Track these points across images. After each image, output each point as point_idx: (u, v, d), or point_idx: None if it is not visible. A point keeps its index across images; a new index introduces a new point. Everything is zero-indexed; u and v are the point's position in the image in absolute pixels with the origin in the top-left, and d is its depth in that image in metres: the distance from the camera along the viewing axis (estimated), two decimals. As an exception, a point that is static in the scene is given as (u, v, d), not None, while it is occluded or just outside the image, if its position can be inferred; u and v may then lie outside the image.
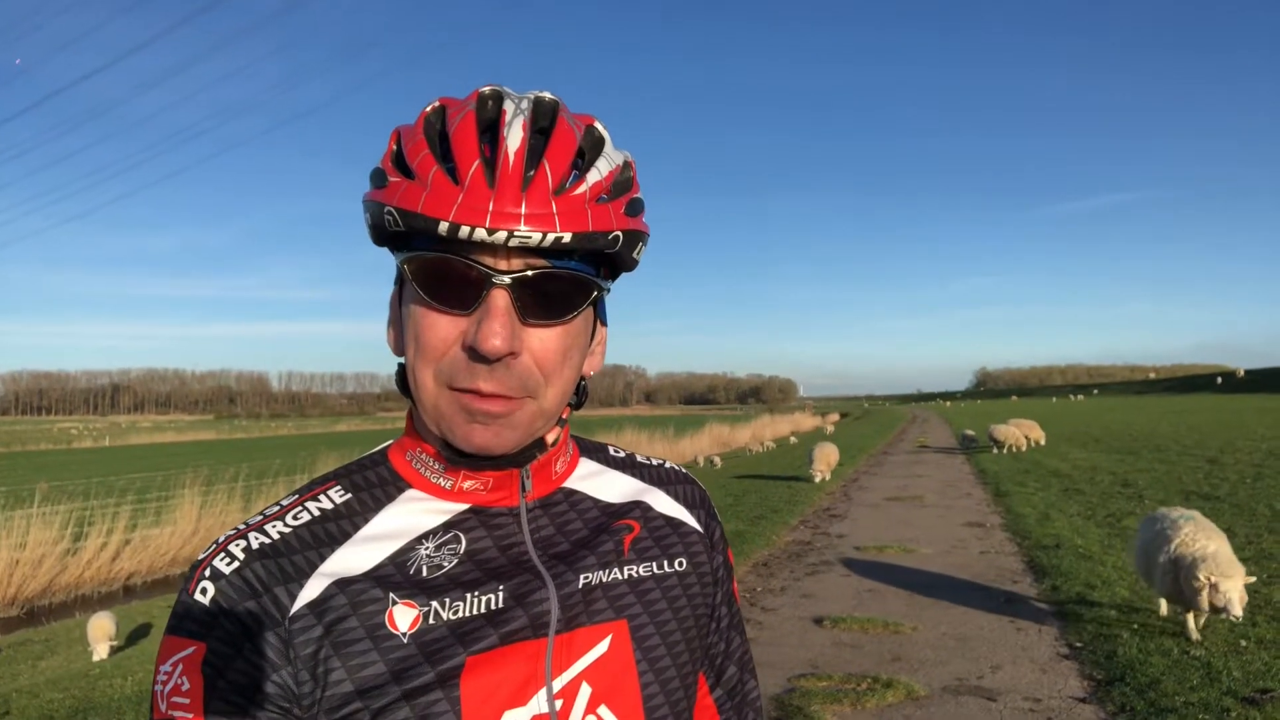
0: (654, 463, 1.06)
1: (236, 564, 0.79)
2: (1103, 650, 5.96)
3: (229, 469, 22.09)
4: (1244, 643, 5.86)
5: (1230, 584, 5.52)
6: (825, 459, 17.95)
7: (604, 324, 0.93)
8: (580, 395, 0.91)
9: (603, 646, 0.85)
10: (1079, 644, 6.18)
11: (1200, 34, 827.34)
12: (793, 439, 41.87)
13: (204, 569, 0.80)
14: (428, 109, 0.82)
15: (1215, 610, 5.62)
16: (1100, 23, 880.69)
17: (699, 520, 1.01)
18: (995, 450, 23.57)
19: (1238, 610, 5.50)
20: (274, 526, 0.83)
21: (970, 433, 27.52)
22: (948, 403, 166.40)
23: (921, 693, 5.38)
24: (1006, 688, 5.41)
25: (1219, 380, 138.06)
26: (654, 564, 0.93)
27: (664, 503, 1.00)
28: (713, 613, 0.99)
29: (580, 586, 0.86)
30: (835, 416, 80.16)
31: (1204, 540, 5.80)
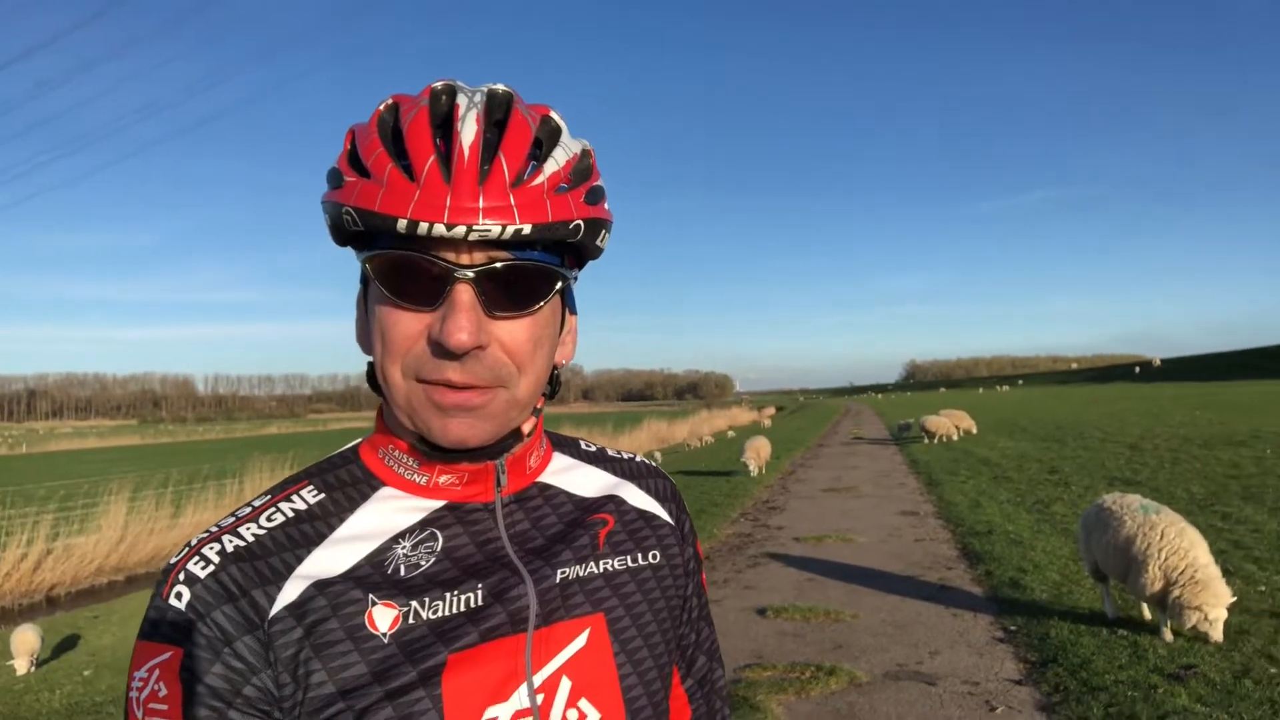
0: (625, 457, 1.07)
1: (212, 567, 0.78)
2: (1036, 633, 6.13)
3: (156, 474, 21.40)
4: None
5: (1221, 614, 5.40)
6: (757, 452, 18.16)
7: (573, 313, 0.93)
8: (554, 385, 0.90)
9: (581, 640, 0.85)
10: (1013, 628, 6.35)
11: (1122, 35, 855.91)
12: (730, 433, 42.16)
13: (178, 573, 0.78)
14: (381, 107, 0.81)
15: (1196, 631, 5.47)
16: (1025, 24, 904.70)
17: (670, 513, 1.02)
18: (927, 440, 24.08)
19: (1219, 639, 5.42)
20: (248, 528, 0.82)
21: (905, 422, 28.08)
22: (879, 395, 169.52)
23: (863, 679, 5.47)
24: (945, 672, 5.53)
25: (1137, 370, 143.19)
26: (628, 557, 0.94)
27: (637, 496, 1.00)
28: (684, 604, 1.00)
29: (557, 581, 0.87)
30: (771, 410, 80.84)
31: (1186, 545, 5.58)
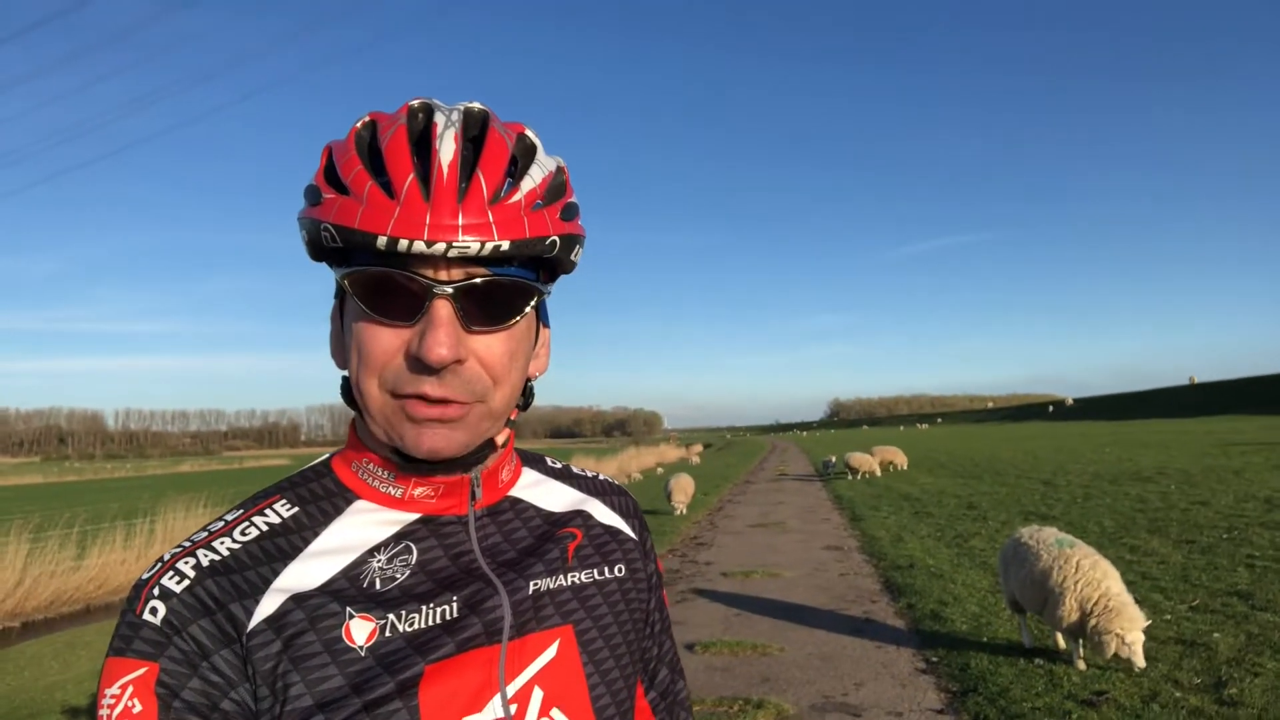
0: (589, 474, 1.09)
1: (188, 581, 0.77)
2: (957, 663, 6.26)
3: (62, 514, 20.43)
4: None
5: (1138, 637, 5.50)
6: (683, 490, 18.04)
7: (546, 326, 0.95)
8: (527, 397, 0.92)
9: (552, 651, 0.87)
10: (935, 658, 6.47)
11: (1027, 87, 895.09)
12: (659, 470, 42.19)
13: (151, 588, 0.77)
14: (358, 124, 0.82)
15: (1118, 660, 5.56)
16: (934, 79, 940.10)
17: (634, 529, 1.05)
18: (850, 477, 24.47)
19: (1141, 662, 5.49)
20: (222, 543, 0.82)
21: (828, 459, 28.50)
22: (804, 433, 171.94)
23: (790, 712, 5.51)
24: (870, 703, 5.60)
25: (1050, 408, 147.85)
26: (596, 571, 0.96)
27: (603, 512, 1.03)
28: (648, 618, 1.03)
29: (530, 593, 0.88)
30: (699, 447, 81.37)
31: (1100, 576, 5.73)
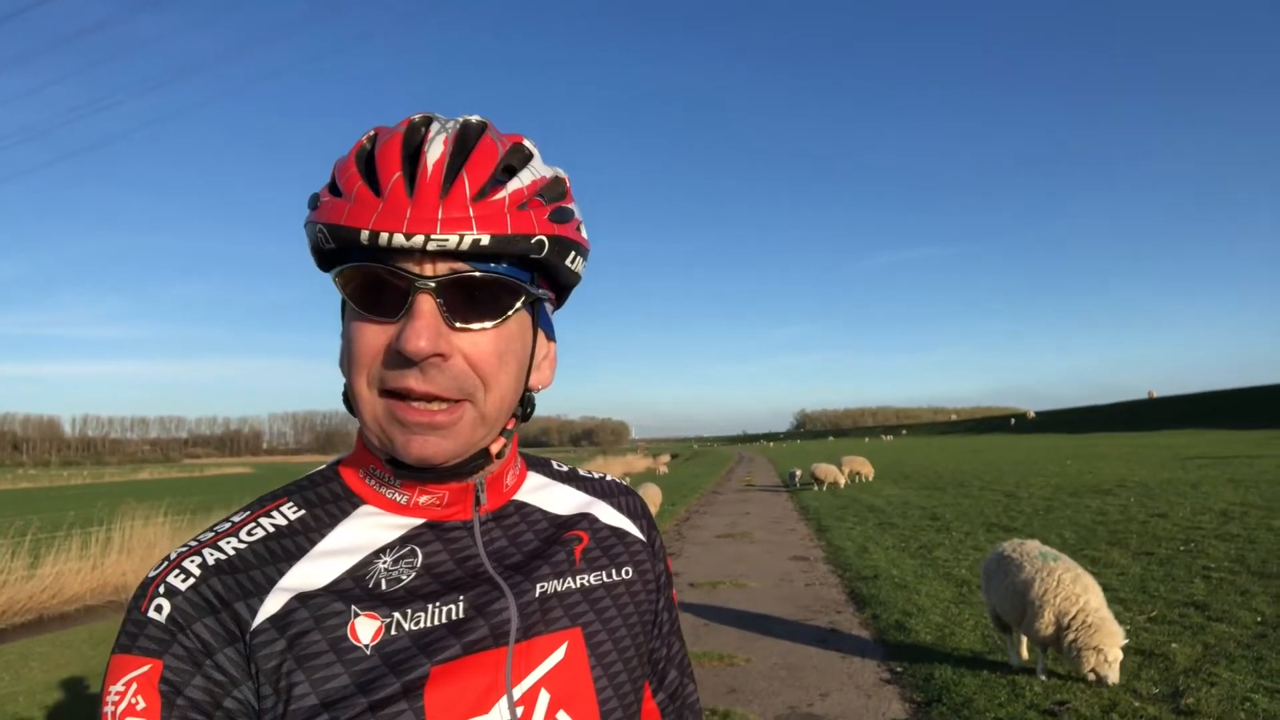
0: (595, 476, 1.10)
1: (193, 580, 0.78)
2: (921, 674, 6.30)
3: (15, 522, 19.96)
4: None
5: (1118, 655, 5.52)
6: (649, 501, 18.05)
7: (551, 339, 0.94)
8: (527, 407, 0.92)
9: (559, 654, 0.87)
10: (899, 669, 6.52)
11: (991, 101, 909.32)
12: (626, 480, 42.12)
13: (158, 585, 0.78)
14: (363, 137, 0.84)
15: (1094, 675, 5.54)
16: (900, 92, 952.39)
17: (641, 530, 1.05)
18: (816, 487, 24.60)
19: (1115, 679, 5.53)
20: (228, 542, 0.82)
21: (794, 471, 28.66)
22: (771, 443, 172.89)
23: (757, 723, 5.51)
24: (835, 714, 5.63)
25: (1013, 421, 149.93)
26: (603, 573, 0.96)
27: (609, 514, 1.04)
28: (656, 619, 1.03)
29: (537, 595, 0.89)
30: (667, 457, 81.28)
31: (1080, 591, 5.74)
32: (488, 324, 0.81)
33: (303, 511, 0.87)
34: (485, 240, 0.78)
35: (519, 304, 0.83)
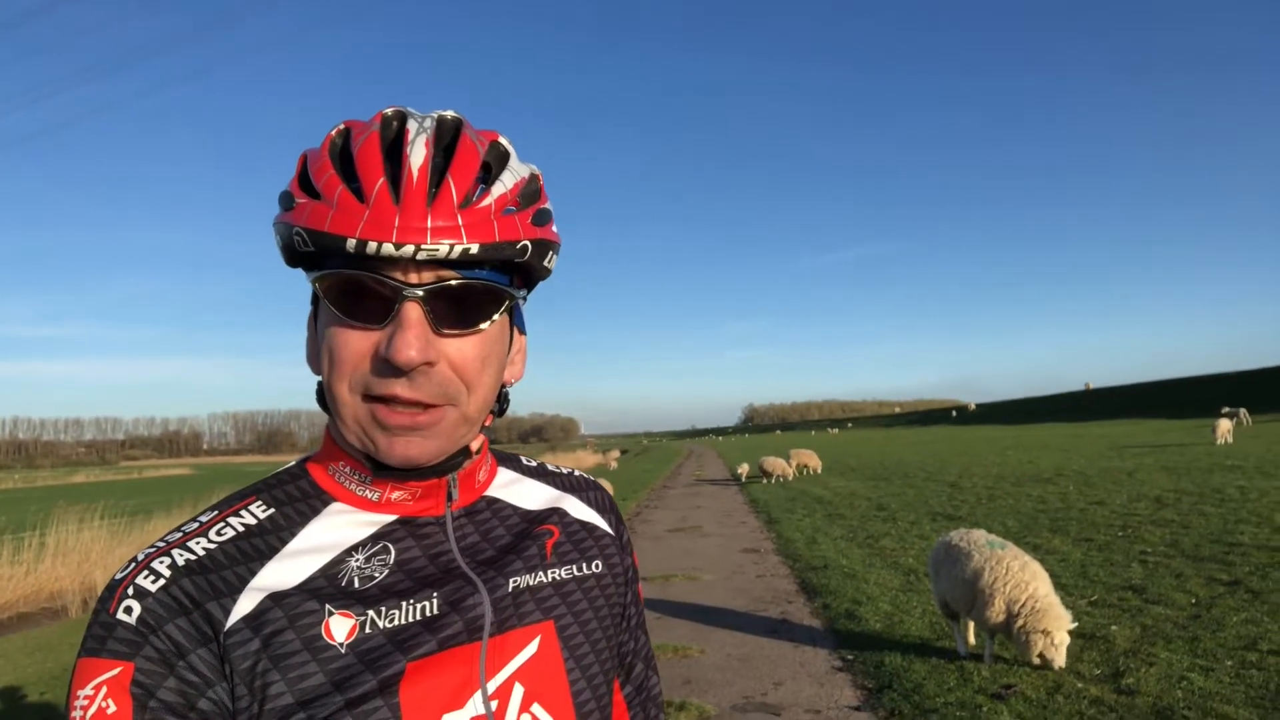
0: (564, 471, 1.10)
1: (163, 581, 0.77)
2: (872, 661, 6.40)
3: (-61, 527, 19.24)
4: (991, 647, 6.49)
5: (1064, 638, 5.64)
6: None
7: (522, 332, 0.95)
8: (502, 403, 0.93)
9: (533, 647, 0.88)
10: (850, 656, 6.61)
11: (942, 101, 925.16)
12: (575, 476, 42.08)
13: (125, 587, 0.76)
14: (332, 132, 0.83)
15: (1041, 659, 5.66)
16: (858, 91, 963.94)
17: (610, 524, 1.07)
18: (765, 480, 24.84)
19: (1062, 662, 5.66)
20: (198, 542, 0.81)
21: (740, 470, 28.93)
22: (720, 438, 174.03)
23: (712, 713, 5.56)
24: (789, 702, 5.69)
25: (954, 413, 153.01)
26: (574, 566, 0.97)
27: (578, 508, 1.04)
28: (624, 612, 1.04)
29: (510, 590, 0.89)
30: (616, 453, 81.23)
31: (1028, 578, 5.82)
32: (472, 331, 0.82)
33: (272, 510, 0.86)
34: (475, 249, 0.78)
35: (502, 309, 0.84)
